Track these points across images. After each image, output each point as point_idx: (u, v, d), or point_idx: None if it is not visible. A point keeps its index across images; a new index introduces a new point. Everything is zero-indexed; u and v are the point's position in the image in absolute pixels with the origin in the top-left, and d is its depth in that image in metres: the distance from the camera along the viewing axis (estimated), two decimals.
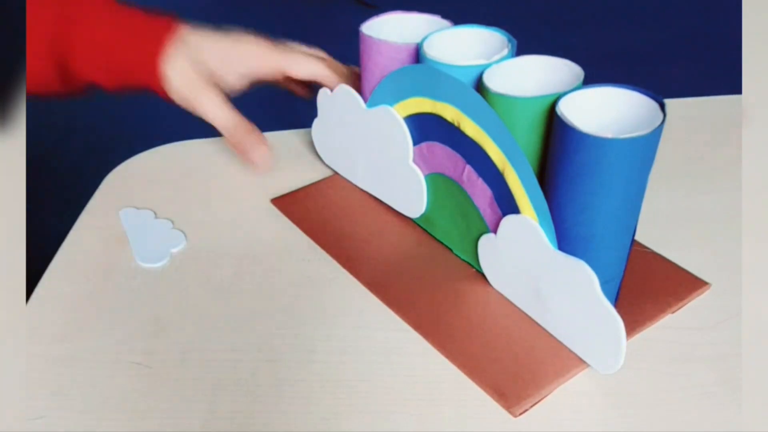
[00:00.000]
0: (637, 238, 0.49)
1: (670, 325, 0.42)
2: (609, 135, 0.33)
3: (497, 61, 0.41)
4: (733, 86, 0.57)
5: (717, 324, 0.42)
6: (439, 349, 0.41)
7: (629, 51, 2.11)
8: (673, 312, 0.43)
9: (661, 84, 1.87)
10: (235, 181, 0.59)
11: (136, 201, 0.56)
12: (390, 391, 0.39)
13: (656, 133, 0.34)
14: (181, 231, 0.47)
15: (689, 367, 0.40)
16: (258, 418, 0.38)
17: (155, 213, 0.44)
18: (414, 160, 0.48)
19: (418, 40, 0.45)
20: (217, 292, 0.47)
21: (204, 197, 0.57)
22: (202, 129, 0.59)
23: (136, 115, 1.88)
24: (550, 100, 0.37)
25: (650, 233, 0.49)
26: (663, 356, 0.40)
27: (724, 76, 1.87)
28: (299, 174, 0.59)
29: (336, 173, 0.58)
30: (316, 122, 0.57)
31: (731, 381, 0.39)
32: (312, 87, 0.57)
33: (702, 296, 0.45)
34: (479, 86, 0.40)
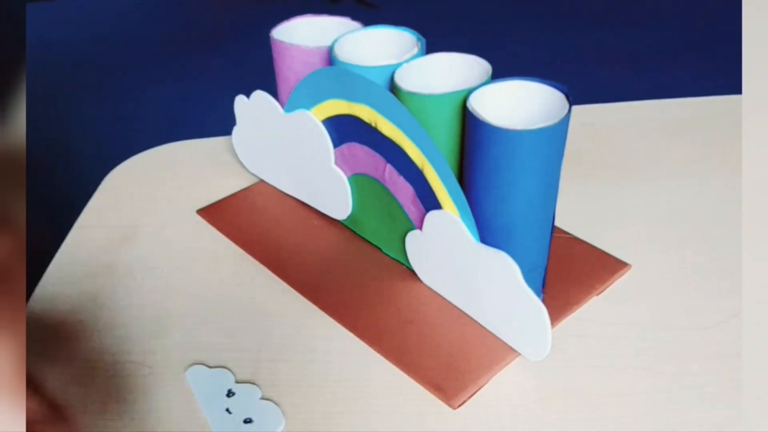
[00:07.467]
0: (641, 238, 0.49)
1: (670, 325, 0.42)
2: (518, 127, 0.34)
3: (407, 60, 0.41)
4: (733, 86, 0.57)
5: (717, 324, 0.42)
6: (374, 348, 0.41)
7: (630, 51, 2.10)
8: (597, 294, 0.44)
9: (661, 84, 1.88)
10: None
11: (135, 202, 0.56)
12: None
13: (564, 123, 0.35)
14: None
15: (689, 367, 0.39)
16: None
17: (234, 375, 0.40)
18: (336, 162, 0.48)
19: (329, 42, 0.44)
20: (218, 292, 0.47)
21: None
22: (200, 129, 0.57)
23: (136, 115, 1.84)
24: (461, 95, 0.37)
25: (650, 232, 0.50)
26: (662, 356, 0.40)
27: (724, 76, 1.87)
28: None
29: (261, 180, 0.58)
30: (235, 130, 0.56)
31: (731, 381, 0.38)
32: None
33: (702, 296, 0.44)
34: (392, 86, 0.40)
